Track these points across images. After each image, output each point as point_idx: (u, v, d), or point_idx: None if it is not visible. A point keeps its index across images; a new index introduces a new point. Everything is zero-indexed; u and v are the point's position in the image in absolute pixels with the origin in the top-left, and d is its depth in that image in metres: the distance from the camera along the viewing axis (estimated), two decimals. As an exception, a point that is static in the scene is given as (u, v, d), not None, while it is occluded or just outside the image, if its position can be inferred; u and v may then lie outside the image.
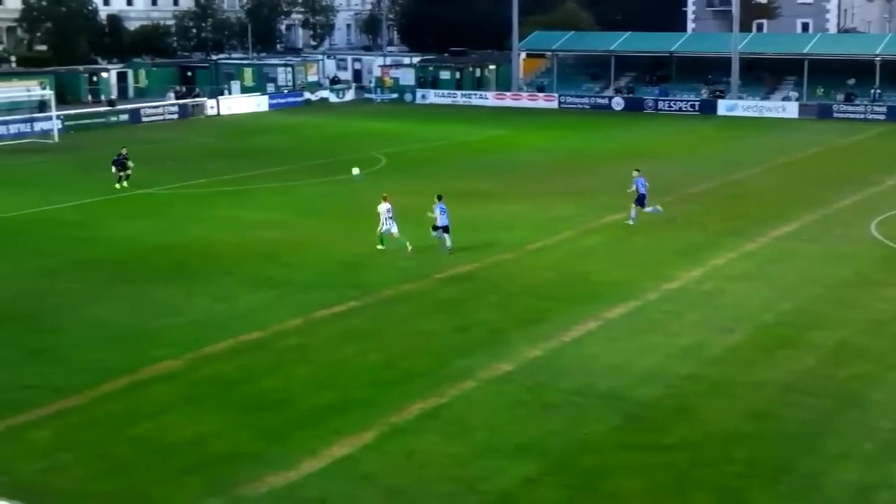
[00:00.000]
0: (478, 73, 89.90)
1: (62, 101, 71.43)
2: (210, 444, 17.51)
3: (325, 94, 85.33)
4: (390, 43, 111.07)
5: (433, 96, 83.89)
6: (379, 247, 31.16)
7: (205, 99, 76.36)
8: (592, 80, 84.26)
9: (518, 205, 39.01)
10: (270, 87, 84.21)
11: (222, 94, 79.97)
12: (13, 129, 60.84)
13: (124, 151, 43.29)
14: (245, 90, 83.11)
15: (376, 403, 19.21)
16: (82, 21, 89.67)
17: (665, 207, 36.69)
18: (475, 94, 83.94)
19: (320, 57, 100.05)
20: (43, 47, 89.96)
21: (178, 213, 37.98)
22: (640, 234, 33.82)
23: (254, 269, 29.42)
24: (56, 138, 59.61)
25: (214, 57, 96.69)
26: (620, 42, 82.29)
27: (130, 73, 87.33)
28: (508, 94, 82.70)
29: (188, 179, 44.63)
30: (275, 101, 79.55)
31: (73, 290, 27.19)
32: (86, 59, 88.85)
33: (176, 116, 71.62)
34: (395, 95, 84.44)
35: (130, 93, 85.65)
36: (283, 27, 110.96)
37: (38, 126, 61.64)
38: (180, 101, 75.46)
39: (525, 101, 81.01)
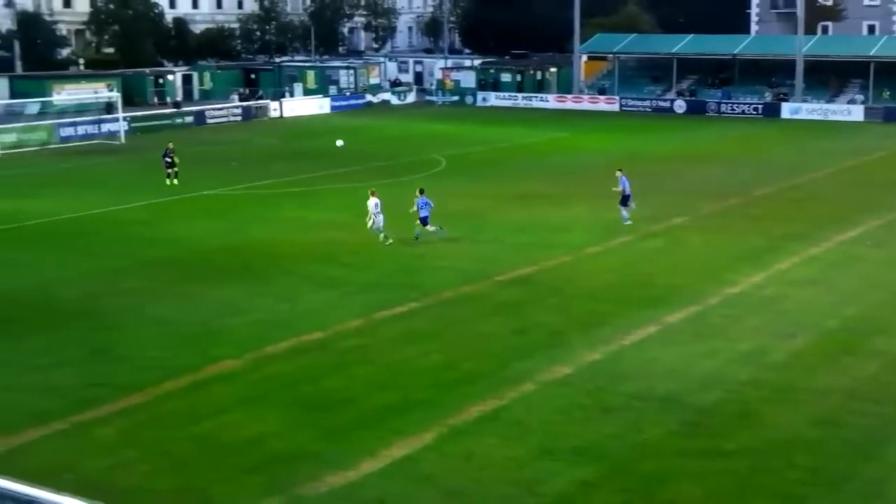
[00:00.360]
0: (539, 75, 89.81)
1: (129, 102, 72.66)
2: (271, 443, 17.70)
3: (386, 96, 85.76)
4: (451, 45, 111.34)
5: (494, 99, 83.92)
6: (388, 241, 32.00)
7: (268, 101, 77.11)
8: (654, 83, 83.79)
9: (578, 207, 38.93)
10: (332, 90, 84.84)
11: (284, 96, 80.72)
12: (81, 130, 61.89)
13: (171, 146, 44.27)
14: (307, 92, 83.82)
15: (436, 404, 19.31)
16: (149, 24, 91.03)
17: (728, 210, 36.46)
18: (536, 97, 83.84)
19: (382, 59, 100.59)
20: (110, 50, 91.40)
21: (242, 213, 38.42)
22: (701, 237, 33.61)
23: (316, 269, 29.70)
24: (122, 139, 60.56)
25: (277, 59, 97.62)
26: (683, 44, 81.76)
27: (195, 75, 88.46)
28: (569, 96, 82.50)
29: (253, 180, 45.12)
30: (337, 104, 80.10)
31: (138, 289, 27.64)
32: (152, 62, 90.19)
33: (240, 118, 72.45)
34: (455, 98, 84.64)
35: (195, 95, 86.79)
36: (345, 30, 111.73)
37: (105, 127, 62.67)
38: (244, 104, 76.28)
39: (586, 103, 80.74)
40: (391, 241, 32.01)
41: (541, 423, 18.44)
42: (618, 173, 35.95)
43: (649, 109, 78.17)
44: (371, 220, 32.14)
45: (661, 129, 67.06)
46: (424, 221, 32.17)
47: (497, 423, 18.47)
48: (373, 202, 32.16)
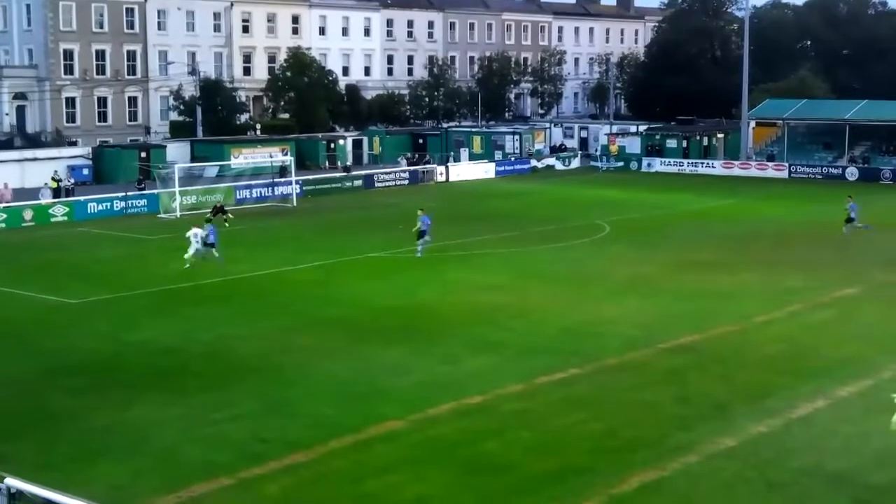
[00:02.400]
0: (705, 141, 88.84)
1: (301, 166, 75.09)
2: (432, 504, 17.96)
3: (551, 161, 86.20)
4: (617, 111, 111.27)
5: (659, 164, 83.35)
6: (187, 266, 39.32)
7: (435, 165, 78.53)
8: (825, 150, 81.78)
9: (745, 275, 38.26)
10: (498, 155, 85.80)
11: (450, 160, 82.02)
12: (256, 192, 64.30)
13: (220, 203, 54.35)
14: (473, 157, 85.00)
15: (596, 472, 19.24)
16: (323, 90, 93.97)
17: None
18: (702, 163, 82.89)
19: (547, 125, 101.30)
20: (285, 115, 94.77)
21: (408, 275, 39.18)
22: (874, 308, 32.56)
23: (478, 332, 30.03)
24: (294, 202, 62.57)
25: (445, 124, 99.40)
26: (856, 110, 79.66)
27: (366, 139, 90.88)
28: (737, 162, 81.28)
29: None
30: (501, 168, 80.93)
31: (310, 347, 28.51)
32: (325, 127, 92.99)
33: (407, 182, 73.91)
34: (620, 164, 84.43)
35: (365, 159, 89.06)
36: (511, 96, 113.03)
37: (278, 190, 64.92)
38: (411, 168, 77.86)
39: (754, 170, 79.38)
40: (188, 265, 39.28)
41: (704, 496, 18.17)
42: (419, 212, 43.17)
43: (819, 176, 76.29)
44: (192, 248, 39.56)
45: (831, 196, 65.14)
46: (213, 245, 40.28)
47: (659, 495, 18.27)
48: (195, 231, 39.91)
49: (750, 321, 31.13)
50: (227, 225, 50.55)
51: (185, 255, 39.68)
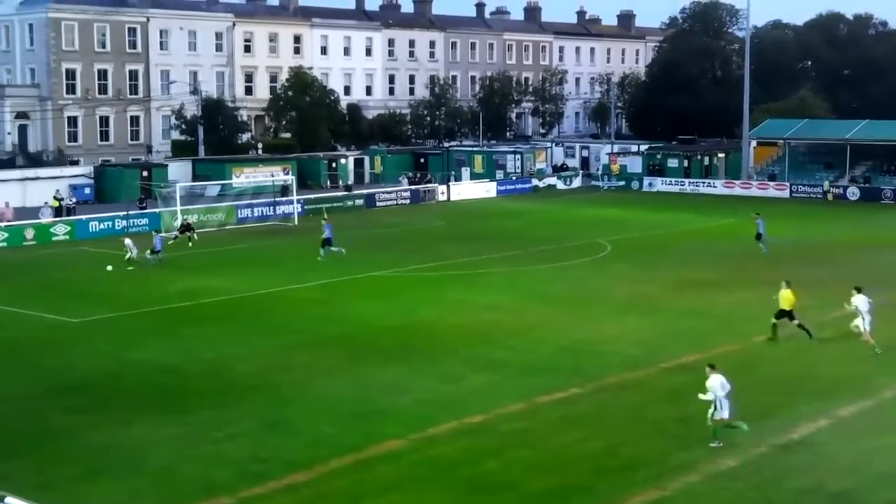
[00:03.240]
0: (706, 160, 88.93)
1: (302, 185, 75.22)
2: (433, 522, 17.91)
3: (552, 180, 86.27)
4: (618, 130, 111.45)
5: (660, 184, 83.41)
6: (109, 267, 44.87)
7: (436, 185, 78.62)
8: (826, 169, 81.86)
9: (745, 294, 38.22)
10: (499, 174, 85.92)
11: (451, 179, 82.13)
12: (257, 211, 64.37)
13: (186, 220, 55.21)
14: (475, 176, 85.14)
15: (597, 491, 19.21)
16: (325, 110, 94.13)
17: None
18: (703, 182, 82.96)
19: (549, 144, 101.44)
20: (287, 135, 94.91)
21: (409, 294, 39.18)
22: (875, 329, 32.48)
23: (479, 351, 30.01)
24: (296, 221, 62.59)
25: (446, 144, 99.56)
26: (857, 130, 79.75)
27: (367, 159, 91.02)
28: (738, 182, 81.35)
29: (420, 263, 45.98)
30: (503, 188, 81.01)
31: (310, 365, 28.50)
32: (326, 146, 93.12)
33: (408, 201, 73.96)
34: (621, 183, 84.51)
35: (366, 178, 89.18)
36: (513, 115, 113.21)
37: (280, 209, 64.99)
38: (413, 187, 77.96)
39: (755, 189, 79.43)
40: (111, 268, 44.62)
41: (704, 515, 18.12)
42: (323, 221, 47.05)
43: (820, 196, 76.35)
44: (129, 254, 45.08)
45: (832, 215, 65.36)
46: (158, 252, 45.73)
47: (659, 514, 18.24)
48: (126, 241, 45.73)
49: (750, 340, 31.11)
50: (190, 244, 51.58)
51: (132, 257, 45.31)
